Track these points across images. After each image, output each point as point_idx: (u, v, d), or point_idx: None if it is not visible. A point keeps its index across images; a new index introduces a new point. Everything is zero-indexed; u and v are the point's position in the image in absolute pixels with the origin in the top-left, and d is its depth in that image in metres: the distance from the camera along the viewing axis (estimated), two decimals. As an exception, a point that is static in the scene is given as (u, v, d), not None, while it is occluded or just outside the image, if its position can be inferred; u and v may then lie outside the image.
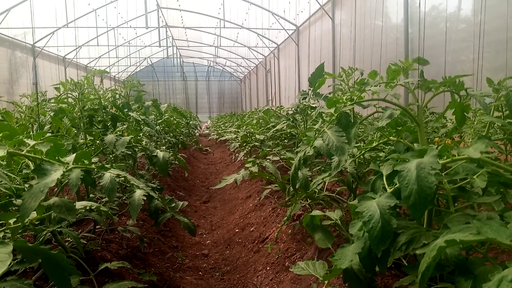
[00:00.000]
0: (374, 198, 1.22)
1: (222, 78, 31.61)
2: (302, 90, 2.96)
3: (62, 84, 2.37)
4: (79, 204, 1.31)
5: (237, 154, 5.20)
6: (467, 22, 6.95)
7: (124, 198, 2.72)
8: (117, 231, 3.60)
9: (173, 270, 3.37)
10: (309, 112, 2.84)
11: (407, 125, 1.85)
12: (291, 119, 3.16)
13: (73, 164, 1.02)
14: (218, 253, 3.97)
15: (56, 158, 1.20)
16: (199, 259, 3.84)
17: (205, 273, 3.48)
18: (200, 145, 6.34)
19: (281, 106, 3.56)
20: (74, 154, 1.19)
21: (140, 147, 2.62)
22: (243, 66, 26.87)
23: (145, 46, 22.52)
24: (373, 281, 1.44)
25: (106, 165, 1.74)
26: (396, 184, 1.29)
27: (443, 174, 1.30)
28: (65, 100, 2.43)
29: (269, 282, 2.86)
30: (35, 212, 1.13)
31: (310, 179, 2.17)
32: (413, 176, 1.01)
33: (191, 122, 9.79)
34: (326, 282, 1.59)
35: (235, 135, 5.68)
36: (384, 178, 1.31)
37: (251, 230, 4.18)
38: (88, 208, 1.64)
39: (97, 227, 3.08)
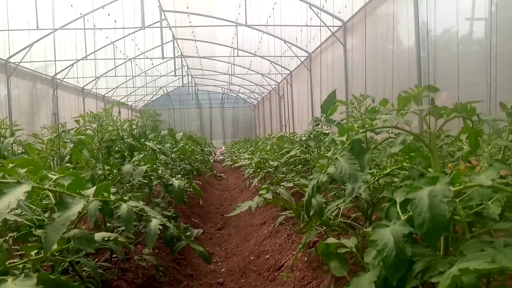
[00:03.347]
0: (388, 226, 1.22)
1: (236, 105, 32.03)
2: (315, 117, 3.00)
3: (82, 117, 2.46)
4: (98, 235, 1.35)
5: (251, 180, 5.22)
6: (479, 44, 6.96)
7: (140, 228, 2.75)
8: (133, 260, 3.61)
9: (188, 301, 3.35)
10: (322, 138, 2.87)
11: (420, 151, 1.85)
12: (305, 146, 3.18)
13: (93, 197, 1.06)
14: (233, 282, 3.93)
15: (77, 191, 1.24)
16: (214, 287, 3.81)
17: (220, 303, 3.44)
18: (215, 171, 6.37)
19: (294, 132, 3.59)
20: (94, 188, 1.23)
21: (156, 176, 2.67)
22: (256, 93, 27.22)
23: (161, 76, 23.10)
24: (391, 311, 1.41)
25: (124, 197, 1.79)
26: (409, 211, 1.29)
27: (457, 200, 1.30)
28: (84, 132, 2.51)
29: (286, 312, 2.81)
30: (56, 243, 1.16)
31: (324, 205, 2.17)
32: (425, 204, 1.01)
33: (205, 149, 9.89)
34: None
35: (249, 161, 5.71)
36: (398, 205, 1.31)
37: (266, 258, 4.14)
38: (106, 239, 1.67)
39: (113, 256, 3.10)
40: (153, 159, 3.02)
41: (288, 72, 19.08)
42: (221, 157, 16.89)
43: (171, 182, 2.49)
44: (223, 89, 29.38)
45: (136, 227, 3.58)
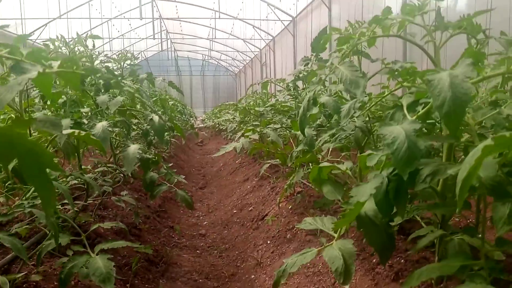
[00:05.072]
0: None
1: (217, 73, 31.38)
2: (304, 56, 2.83)
3: (52, 41, 2.22)
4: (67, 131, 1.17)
5: (234, 136, 5.06)
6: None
7: (118, 154, 2.57)
8: (110, 208, 3.46)
9: (169, 248, 3.24)
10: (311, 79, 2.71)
11: (422, 71, 1.73)
12: (292, 89, 3.01)
13: (58, 68, 0.89)
14: (216, 233, 3.85)
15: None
16: (196, 238, 3.71)
17: (202, 251, 3.35)
18: (196, 130, 6.18)
19: (282, 79, 3.43)
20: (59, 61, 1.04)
21: (134, 111, 2.48)
22: (238, 60, 26.66)
23: (140, 40, 22.20)
24: (390, 227, 1.32)
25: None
26: (419, 111, 1.17)
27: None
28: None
29: (270, 254, 2.74)
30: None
31: (315, 137, 2.04)
32: (446, 84, 0.88)
33: (186, 108, 9.64)
34: (337, 232, 1.47)
35: (232, 117, 5.54)
36: (405, 108, 1.19)
37: (250, 209, 4.06)
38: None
39: (89, 201, 2.92)
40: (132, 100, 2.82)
41: (271, 38, 18.65)
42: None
43: (151, 117, 2.30)
44: (203, 56, 28.65)
45: (114, 172, 3.41)
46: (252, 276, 2.63)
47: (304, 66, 2.83)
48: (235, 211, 4.31)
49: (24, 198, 1.64)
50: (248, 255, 2.98)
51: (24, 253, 1.38)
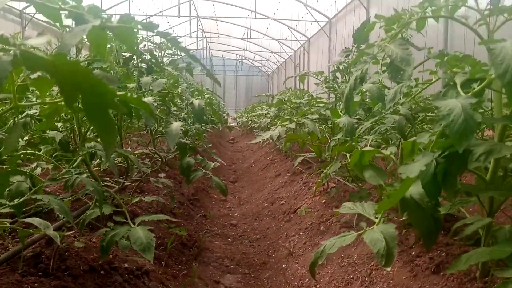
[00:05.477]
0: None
1: (250, 73, 31.53)
2: (345, 48, 2.80)
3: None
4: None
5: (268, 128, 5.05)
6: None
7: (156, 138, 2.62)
8: (146, 193, 3.55)
9: (202, 233, 3.28)
10: (351, 70, 2.66)
11: (472, 58, 1.67)
12: (331, 80, 2.97)
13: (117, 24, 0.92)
14: (247, 224, 3.86)
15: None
16: (227, 228, 3.74)
17: (234, 240, 3.37)
18: (229, 123, 6.22)
19: (320, 71, 3.39)
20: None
21: (176, 94, 2.53)
22: (271, 61, 26.68)
23: (178, 38, 22.65)
24: (437, 210, 1.28)
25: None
26: (474, 88, 1.13)
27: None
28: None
29: (303, 245, 2.72)
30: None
31: (355, 125, 2.01)
32: (509, 51, 0.85)
33: (221, 104, 9.75)
34: (379, 217, 1.44)
35: (266, 111, 5.54)
36: (458, 85, 1.15)
37: (281, 203, 4.05)
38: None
39: (126, 183, 2.99)
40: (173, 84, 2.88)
41: (306, 39, 18.55)
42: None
43: (191, 101, 2.35)
44: (237, 55, 28.86)
45: (152, 159, 3.50)
46: (284, 265, 2.62)
47: (345, 57, 2.80)
48: (266, 205, 4.31)
49: (71, 167, 1.71)
50: (279, 245, 2.97)
51: (70, 215, 1.44)
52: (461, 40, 5.64)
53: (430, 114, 2.00)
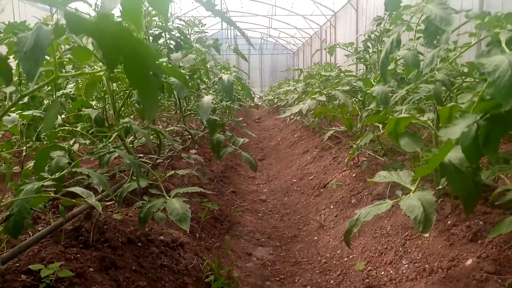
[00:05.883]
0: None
1: (275, 51, 31.15)
2: (376, 16, 2.70)
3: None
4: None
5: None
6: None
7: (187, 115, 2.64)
8: (178, 170, 3.62)
9: (233, 209, 3.34)
10: (383, 39, 2.58)
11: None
12: (362, 51, 2.90)
13: None
14: (276, 199, 3.89)
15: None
16: (257, 203, 3.79)
17: (264, 215, 3.41)
18: (256, 102, 6.19)
19: (351, 42, 3.30)
20: None
21: (205, 69, 2.54)
22: (296, 38, 26.22)
23: (203, 18, 22.63)
24: (477, 175, 1.24)
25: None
26: (521, 44, 1.07)
27: None
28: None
29: (334, 218, 2.72)
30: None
31: (390, 94, 1.96)
32: None
33: (247, 82, 9.71)
34: (415, 184, 1.41)
35: (293, 87, 5.48)
36: (503, 42, 1.09)
37: (310, 178, 4.04)
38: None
39: (158, 160, 3.06)
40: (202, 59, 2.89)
41: (333, 13, 18.06)
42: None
43: (220, 76, 2.34)
44: (262, 34, 28.51)
45: (182, 137, 3.55)
46: (315, 238, 2.63)
47: (377, 25, 2.71)
48: (295, 180, 4.32)
49: (108, 141, 1.76)
50: (310, 218, 2.98)
51: (109, 187, 1.49)
52: (498, 1, 5.32)
53: (467, 80, 1.92)
